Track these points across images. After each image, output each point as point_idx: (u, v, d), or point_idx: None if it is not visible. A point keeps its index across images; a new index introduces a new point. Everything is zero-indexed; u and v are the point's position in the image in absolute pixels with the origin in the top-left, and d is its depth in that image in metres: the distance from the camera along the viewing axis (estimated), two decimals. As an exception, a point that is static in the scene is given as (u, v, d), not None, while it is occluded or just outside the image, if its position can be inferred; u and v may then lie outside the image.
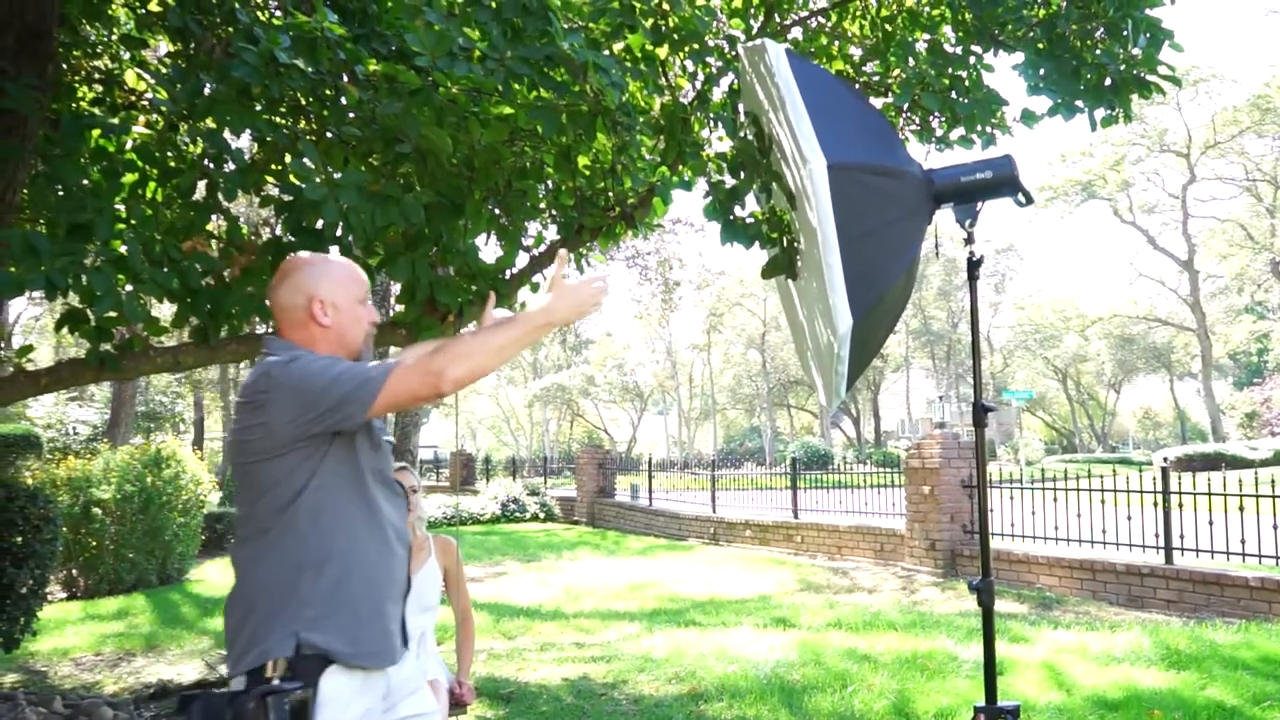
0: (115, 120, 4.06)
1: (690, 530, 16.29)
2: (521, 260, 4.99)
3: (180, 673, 6.56)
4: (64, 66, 4.24)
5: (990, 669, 3.47)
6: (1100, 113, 4.69)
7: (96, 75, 4.49)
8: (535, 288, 5.12)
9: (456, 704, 3.90)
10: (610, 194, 4.59)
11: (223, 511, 16.98)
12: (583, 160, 4.38)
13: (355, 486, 2.18)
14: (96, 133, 3.89)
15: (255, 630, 2.05)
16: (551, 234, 5.20)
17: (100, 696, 5.73)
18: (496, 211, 4.42)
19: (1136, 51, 4.45)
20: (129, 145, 4.08)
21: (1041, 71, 4.59)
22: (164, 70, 4.18)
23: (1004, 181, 3.17)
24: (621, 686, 5.82)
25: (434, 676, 3.80)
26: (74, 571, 11.34)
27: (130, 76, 4.48)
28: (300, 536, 2.09)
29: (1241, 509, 8.56)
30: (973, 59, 5.00)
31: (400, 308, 4.44)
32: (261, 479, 2.11)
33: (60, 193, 3.71)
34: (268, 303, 2.33)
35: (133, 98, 4.43)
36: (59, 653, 7.53)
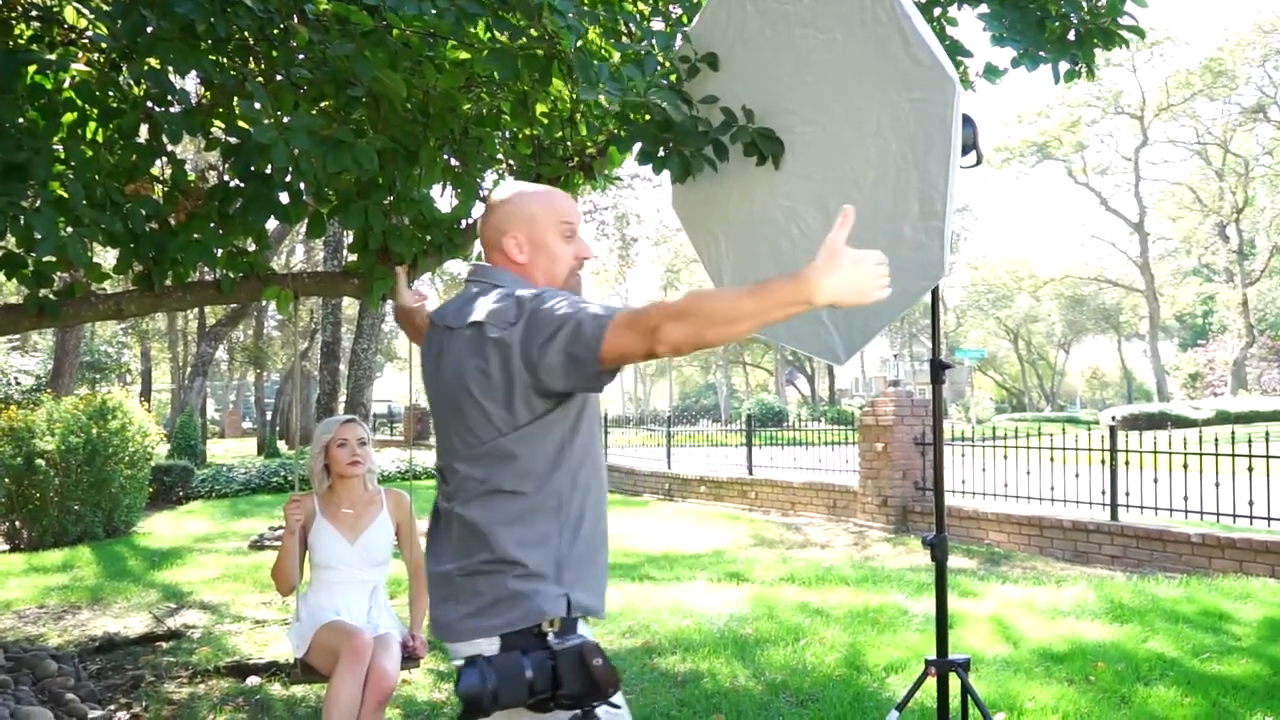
0: (53, 57, 3.90)
1: (645, 486, 16.36)
2: (478, 210, 4.90)
3: (126, 625, 6.48)
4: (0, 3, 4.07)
5: (942, 622, 3.52)
6: (1064, 66, 4.68)
7: (34, 12, 4.30)
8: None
9: (409, 658, 3.88)
10: (569, 143, 4.51)
11: (171, 464, 16.75)
12: (541, 108, 4.29)
13: (596, 440, 2.17)
14: (32, 69, 3.73)
15: (520, 587, 1.98)
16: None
17: (44, 649, 5.63)
18: (452, 161, 4.33)
19: (1102, 2, 4.44)
20: (68, 83, 3.93)
21: (1006, 22, 4.57)
22: (105, 6, 4.02)
23: (967, 143, 3.16)
24: (575, 640, 5.83)
25: (386, 630, 3.77)
26: (17, 523, 11.16)
27: (70, 14, 4.30)
28: (561, 496, 2.05)
29: (1186, 467, 8.73)
30: (937, 10, 4.96)
31: (353, 257, 4.35)
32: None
33: (-5, 131, 3.57)
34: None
35: (72, 35, 4.25)
36: (1, 605, 7.41)
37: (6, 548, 11.04)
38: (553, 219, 2.18)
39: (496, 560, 1.98)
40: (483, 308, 2.04)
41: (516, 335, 1.95)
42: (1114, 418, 28.03)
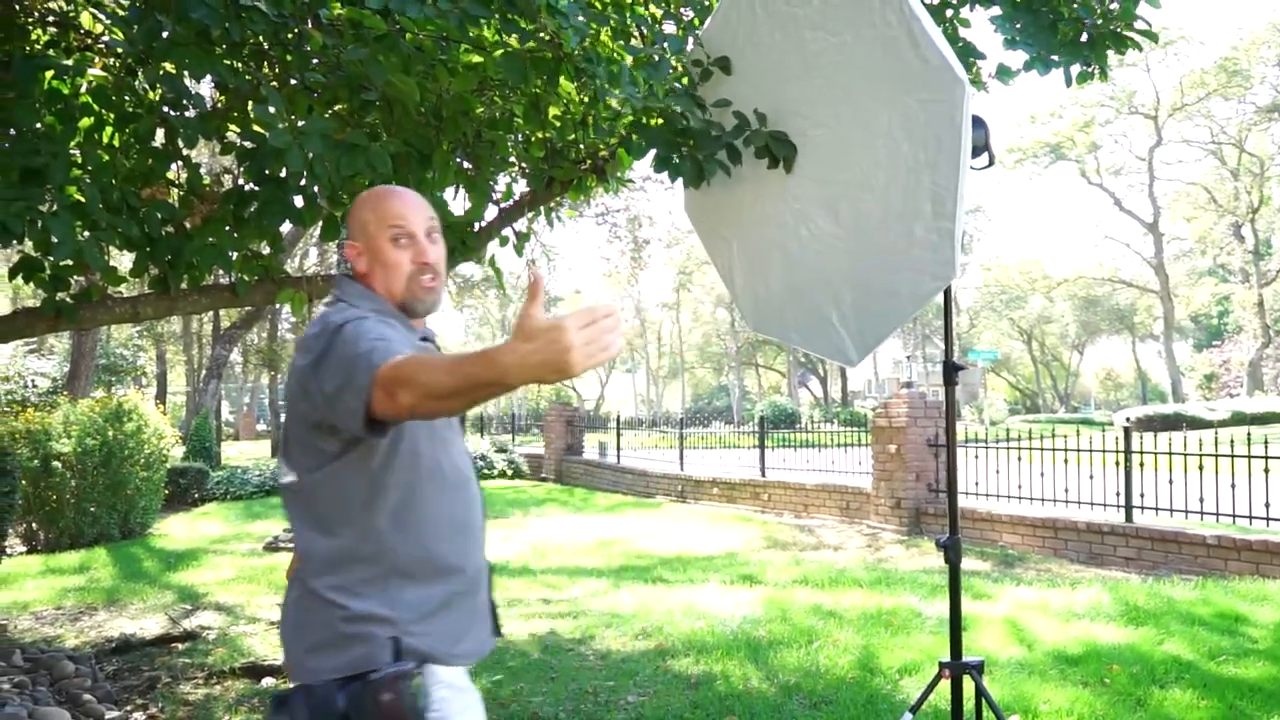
0: (70, 62, 3.94)
1: (658, 488, 16.34)
2: (490, 213, 4.92)
3: (143, 627, 6.52)
4: (16, 8, 4.10)
5: (956, 624, 3.51)
6: (1076, 69, 4.66)
7: (50, 18, 4.34)
8: (504, 241, 5.05)
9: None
10: (581, 146, 4.52)
11: (186, 466, 16.84)
12: (553, 111, 4.30)
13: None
14: (49, 74, 3.76)
15: (349, 630, 1.84)
16: (521, 187, 5.13)
17: (61, 650, 5.67)
18: (465, 164, 4.34)
19: (1114, 5, 4.42)
20: (84, 88, 3.96)
21: (1018, 25, 4.55)
22: (121, 11, 4.05)
23: (978, 145, 3.16)
24: (589, 642, 5.84)
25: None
26: (34, 525, 11.23)
27: (86, 19, 4.34)
28: (383, 540, 1.89)
29: (1201, 469, 8.68)
30: (949, 11, 4.95)
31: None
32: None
33: (13, 136, 3.60)
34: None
35: (89, 41, 4.29)
36: (18, 606, 7.45)
37: (24, 549, 11.11)
38: (382, 224, 1.99)
39: (322, 601, 1.85)
40: (310, 327, 1.88)
41: (311, 366, 1.79)
42: (1128, 419, 27.92)
